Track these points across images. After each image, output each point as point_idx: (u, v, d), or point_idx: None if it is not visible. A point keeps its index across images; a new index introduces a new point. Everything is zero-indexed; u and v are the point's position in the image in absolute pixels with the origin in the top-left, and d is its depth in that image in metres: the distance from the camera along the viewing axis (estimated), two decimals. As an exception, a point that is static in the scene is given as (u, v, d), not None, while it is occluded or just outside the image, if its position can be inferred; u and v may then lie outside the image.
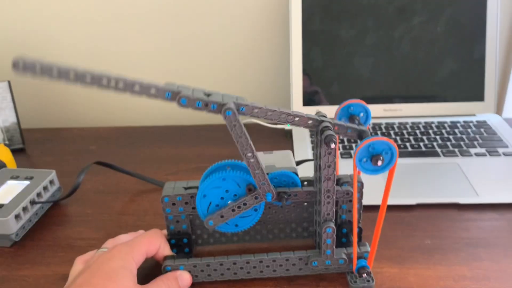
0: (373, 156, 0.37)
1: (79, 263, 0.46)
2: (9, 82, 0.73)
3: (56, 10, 0.79)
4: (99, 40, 0.81)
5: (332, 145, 0.38)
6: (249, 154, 0.40)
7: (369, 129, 0.43)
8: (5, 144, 0.74)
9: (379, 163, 0.37)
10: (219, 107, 0.39)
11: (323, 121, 0.40)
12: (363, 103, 0.44)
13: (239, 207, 0.43)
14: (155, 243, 0.45)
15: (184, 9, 0.79)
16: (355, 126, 0.41)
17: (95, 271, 0.39)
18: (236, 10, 0.79)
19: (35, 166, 0.71)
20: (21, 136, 0.75)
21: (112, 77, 0.37)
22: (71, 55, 0.82)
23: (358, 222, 0.46)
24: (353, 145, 0.69)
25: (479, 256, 0.49)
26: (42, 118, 0.87)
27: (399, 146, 0.68)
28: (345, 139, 0.71)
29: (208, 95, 0.39)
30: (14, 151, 0.72)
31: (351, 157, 0.66)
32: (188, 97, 0.38)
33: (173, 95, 0.38)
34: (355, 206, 0.42)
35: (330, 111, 0.74)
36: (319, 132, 0.40)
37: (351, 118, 0.45)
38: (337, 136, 0.40)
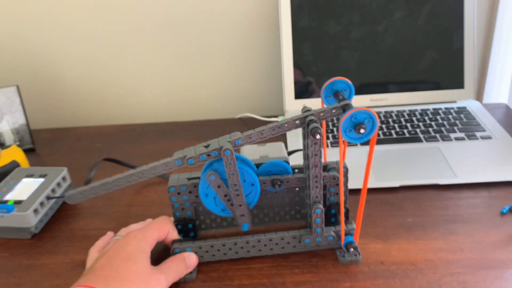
0: (356, 125, 0.42)
1: (94, 252, 0.51)
2: (17, 87, 0.78)
3: (62, 20, 0.83)
4: (101, 49, 0.86)
5: (317, 136, 0.43)
6: (236, 187, 0.47)
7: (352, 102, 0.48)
8: (16, 145, 0.79)
9: (362, 130, 0.42)
10: (219, 151, 0.45)
11: (307, 115, 0.45)
12: (346, 79, 0.48)
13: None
14: (164, 228, 0.50)
15: (179, 12, 0.83)
16: (337, 104, 0.45)
17: (114, 254, 0.44)
18: (228, 11, 0.83)
19: (45, 165, 0.76)
20: (31, 136, 0.80)
21: (136, 174, 0.47)
22: (75, 63, 0.87)
23: (345, 203, 0.52)
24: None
25: (456, 230, 0.54)
26: (49, 119, 0.92)
27: (384, 133, 0.73)
28: (334, 129, 0.76)
29: (207, 146, 0.46)
30: (25, 151, 0.77)
31: (352, 144, 0.71)
32: (193, 157, 0.45)
33: (182, 161, 0.46)
34: (342, 187, 0.47)
35: (319, 103, 0.79)
36: (306, 125, 0.45)
37: (336, 94, 0.48)
38: (323, 125, 0.44)
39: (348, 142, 0.48)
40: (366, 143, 0.71)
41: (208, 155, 0.45)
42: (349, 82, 0.48)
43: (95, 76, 0.89)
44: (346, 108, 0.44)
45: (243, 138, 0.45)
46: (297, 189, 0.51)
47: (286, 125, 0.45)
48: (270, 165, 0.49)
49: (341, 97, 0.47)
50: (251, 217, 0.50)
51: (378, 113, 0.79)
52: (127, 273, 0.43)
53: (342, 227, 0.49)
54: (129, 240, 0.46)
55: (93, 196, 0.48)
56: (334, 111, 0.45)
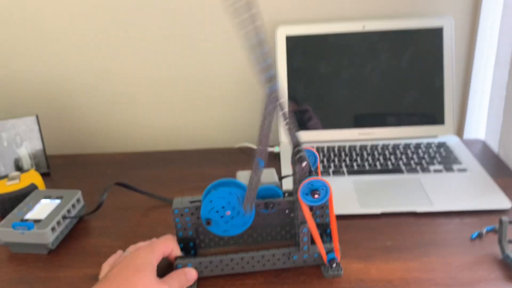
0: (312, 191, 0.50)
1: (106, 266, 0.57)
2: (36, 116, 0.86)
3: (78, 57, 0.92)
4: (112, 84, 0.94)
5: (304, 164, 0.50)
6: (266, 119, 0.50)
7: (319, 167, 0.56)
8: (33, 169, 0.86)
9: (316, 196, 0.50)
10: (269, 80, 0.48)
11: (299, 145, 0.52)
12: (312, 149, 0.57)
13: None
14: (169, 245, 0.56)
15: (184, 51, 0.92)
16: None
17: (125, 266, 0.51)
18: (229, 50, 0.91)
19: (59, 188, 0.82)
20: (46, 161, 0.87)
21: None
22: (88, 96, 0.95)
23: (329, 225, 0.58)
24: (343, 164, 0.81)
25: (429, 253, 0.61)
26: (63, 146, 0.98)
27: (370, 165, 0.80)
28: (335, 159, 0.82)
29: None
30: (41, 175, 0.84)
31: (341, 174, 0.78)
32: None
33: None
34: (308, 215, 0.54)
35: (311, 136, 0.87)
36: (294, 153, 0.52)
37: None
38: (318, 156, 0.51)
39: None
40: (353, 173, 0.78)
41: (267, 69, 0.47)
42: (315, 152, 0.56)
43: (106, 108, 0.97)
44: (310, 174, 0.52)
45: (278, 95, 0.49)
46: (287, 211, 0.58)
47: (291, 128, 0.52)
48: (263, 189, 0.56)
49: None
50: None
51: (365, 146, 0.86)
52: (136, 283, 0.49)
53: (320, 245, 0.55)
54: (139, 253, 0.53)
55: None
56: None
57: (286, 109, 0.51)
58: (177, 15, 0.89)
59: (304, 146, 0.55)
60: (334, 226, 0.54)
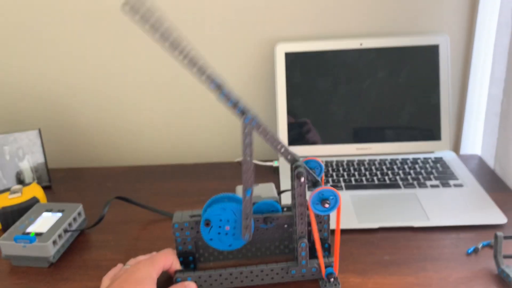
0: (322, 200, 0.51)
1: (106, 280, 0.58)
2: (39, 130, 0.87)
3: (81, 73, 0.94)
4: (114, 99, 0.96)
5: (302, 179, 0.52)
6: (247, 151, 0.52)
7: (323, 179, 0.57)
8: (35, 182, 0.87)
9: (326, 205, 0.51)
10: (242, 113, 0.50)
11: (296, 160, 0.54)
12: (318, 159, 0.58)
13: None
14: (169, 259, 0.57)
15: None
16: (313, 176, 0.54)
17: (125, 280, 0.51)
18: (230, 67, 0.93)
19: (60, 201, 0.83)
20: (48, 175, 0.88)
21: (185, 52, 0.51)
22: (90, 110, 0.96)
23: (327, 240, 0.59)
24: (341, 179, 0.82)
25: (426, 267, 0.61)
26: (64, 159, 1.00)
27: (367, 180, 0.82)
28: (333, 174, 0.83)
29: (238, 101, 0.51)
30: (42, 188, 0.84)
31: (339, 189, 0.79)
32: (225, 95, 0.50)
33: (216, 87, 0.50)
34: (314, 226, 0.55)
35: (310, 150, 0.88)
36: (293, 169, 0.53)
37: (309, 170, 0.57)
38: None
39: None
40: (351, 188, 0.79)
41: (234, 106, 0.50)
42: (320, 162, 0.57)
43: (107, 122, 0.98)
44: (316, 185, 0.53)
45: (257, 124, 0.51)
46: (286, 225, 0.59)
47: (283, 149, 0.53)
48: (262, 204, 0.57)
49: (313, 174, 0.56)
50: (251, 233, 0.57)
51: (362, 161, 0.88)
52: (137, 296, 0.50)
53: (321, 259, 0.56)
54: (139, 267, 0.53)
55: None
56: (309, 177, 0.54)
57: (269, 134, 0.52)
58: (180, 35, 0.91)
59: (310, 157, 0.56)
60: (337, 239, 0.55)
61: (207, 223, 0.55)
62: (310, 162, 0.57)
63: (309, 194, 0.52)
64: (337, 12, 0.89)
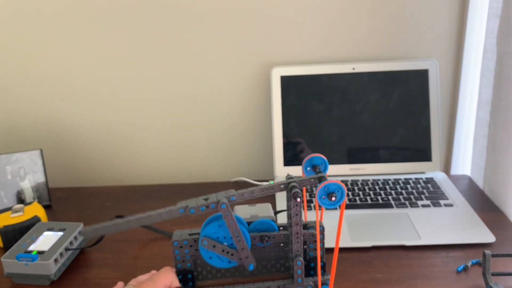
0: (329, 194, 0.52)
1: None
2: (41, 151, 0.89)
3: (81, 94, 0.96)
4: (113, 121, 0.98)
5: (298, 199, 0.54)
6: (236, 233, 0.56)
7: (327, 175, 0.59)
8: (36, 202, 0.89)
9: (333, 198, 0.52)
10: (216, 204, 0.55)
11: (290, 182, 0.56)
12: (322, 156, 0.59)
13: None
14: (169, 277, 0.58)
15: (182, 89, 0.97)
16: (314, 176, 0.56)
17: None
18: (227, 90, 0.96)
19: (60, 220, 0.84)
20: (49, 194, 0.90)
21: (144, 217, 0.55)
22: (90, 131, 0.99)
23: (322, 258, 0.61)
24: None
25: (417, 285, 0.63)
26: (64, 179, 1.01)
27: (361, 199, 0.84)
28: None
29: (206, 199, 0.55)
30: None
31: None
32: (194, 207, 0.54)
33: (184, 210, 0.54)
34: (318, 242, 0.57)
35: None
36: (289, 190, 0.55)
37: (314, 167, 0.59)
38: (304, 190, 0.55)
39: (325, 208, 0.58)
40: (345, 207, 0.81)
41: (207, 206, 0.54)
42: (324, 158, 0.59)
43: (106, 143, 1.00)
44: (321, 179, 0.55)
45: (236, 195, 0.55)
46: (282, 244, 0.61)
47: (272, 189, 0.56)
48: (259, 223, 0.59)
49: (318, 170, 0.58)
50: (253, 258, 0.59)
51: (356, 181, 0.90)
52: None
53: (319, 276, 0.58)
54: (143, 289, 0.55)
55: (104, 233, 0.55)
56: (312, 180, 0.56)
57: (255, 191, 0.56)
58: (179, 60, 0.94)
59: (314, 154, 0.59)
60: (337, 241, 0.56)
61: (203, 240, 0.57)
62: (314, 159, 0.58)
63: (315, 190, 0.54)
64: (331, 37, 0.92)
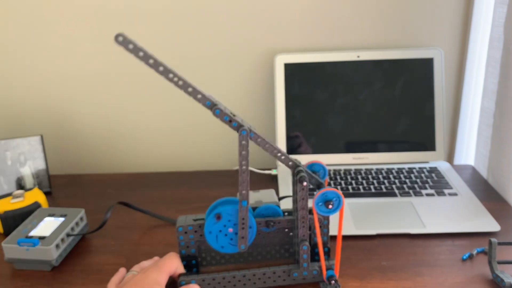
0: (326, 202, 0.52)
1: (112, 286, 0.58)
2: (41, 136, 0.88)
3: (83, 80, 0.95)
4: (115, 107, 0.97)
5: (304, 183, 0.53)
6: (244, 163, 0.53)
7: (327, 182, 0.59)
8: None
9: (330, 206, 0.52)
10: (238, 126, 0.52)
11: (298, 166, 0.55)
12: (322, 163, 0.59)
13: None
14: (174, 263, 0.58)
15: (186, 77, 0.95)
16: (317, 177, 0.56)
17: (134, 286, 0.52)
18: (230, 78, 0.95)
19: (61, 207, 0.84)
20: (49, 181, 0.89)
21: (177, 76, 0.50)
22: (91, 118, 0.98)
23: (327, 244, 0.60)
24: (339, 187, 0.82)
25: (422, 273, 0.63)
26: (65, 166, 1.01)
27: (364, 188, 0.83)
28: (331, 182, 0.84)
29: (234, 115, 0.53)
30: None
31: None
32: (221, 110, 0.51)
33: (212, 105, 0.51)
34: (317, 226, 0.56)
35: (309, 159, 0.89)
36: (295, 174, 0.55)
37: (313, 173, 0.59)
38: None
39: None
40: (348, 196, 0.81)
41: (230, 121, 0.51)
42: (324, 165, 0.59)
43: (108, 130, 0.99)
44: (320, 186, 0.55)
45: (256, 135, 0.53)
46: (286, 230, 0.60)
47: (283, 157, 0.55)
48: (264, 208, 0.59)
49: (317, 176, 0.58)
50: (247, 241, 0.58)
51: (359, 170, 0.89)
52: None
53: (322, 261, 0.57)
54: (147, 275, 0.54)
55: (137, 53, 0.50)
56: (312, 180, 0.56)
57: (268, 144, 0.53)
58: (182, 48, 0.93)
59: (314, 160, 0.58)
60: (339, 241, 0.56)
61: (218, 217, 0.56)
62: (314, 165, 0.58)
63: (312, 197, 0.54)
64: (336, 25, 0.91)
